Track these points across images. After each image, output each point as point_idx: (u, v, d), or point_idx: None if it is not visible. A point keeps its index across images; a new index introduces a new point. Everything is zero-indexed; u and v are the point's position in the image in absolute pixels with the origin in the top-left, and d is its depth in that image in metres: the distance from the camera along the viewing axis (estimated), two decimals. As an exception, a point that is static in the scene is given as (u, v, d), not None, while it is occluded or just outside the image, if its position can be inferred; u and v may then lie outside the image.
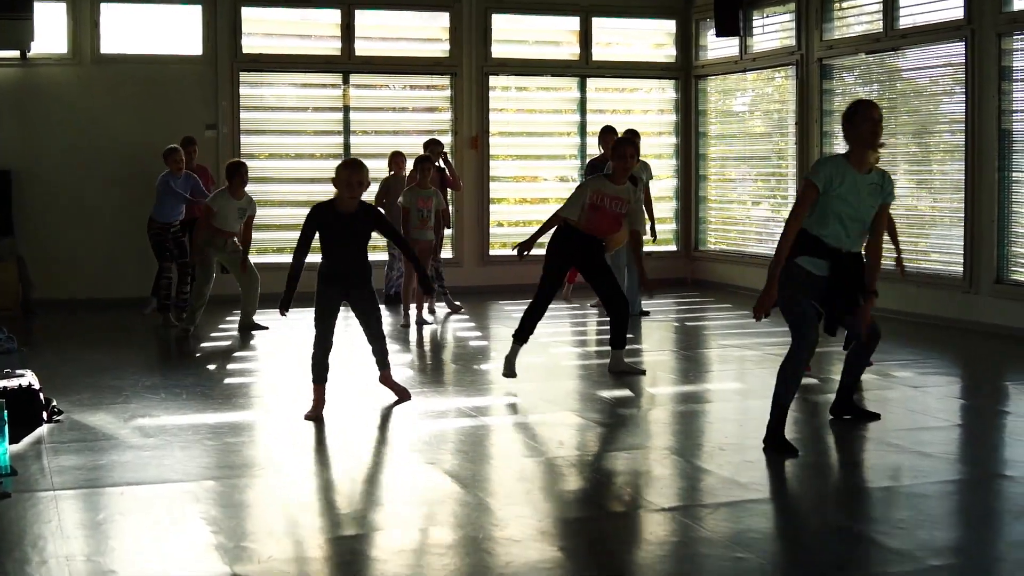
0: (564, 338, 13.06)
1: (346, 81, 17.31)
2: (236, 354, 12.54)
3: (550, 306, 10.68)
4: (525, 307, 10.63)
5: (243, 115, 16.81)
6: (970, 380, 11.33)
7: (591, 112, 18.32)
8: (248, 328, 13.74)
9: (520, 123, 18.38)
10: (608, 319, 10.87)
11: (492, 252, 17.70)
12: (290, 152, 17.42)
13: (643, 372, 10.89)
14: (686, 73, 18.72)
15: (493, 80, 17.90)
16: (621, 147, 10.57)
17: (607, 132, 14.98)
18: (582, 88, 18.34)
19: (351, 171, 9.04)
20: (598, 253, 10.65)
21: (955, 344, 12.79)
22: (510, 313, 14.78)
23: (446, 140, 17.63)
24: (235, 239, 13.65)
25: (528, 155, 18.21)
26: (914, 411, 9.44)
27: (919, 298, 14.15)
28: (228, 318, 14.44)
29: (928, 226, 14.75)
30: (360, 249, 9.18)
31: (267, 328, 13.61)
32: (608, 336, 10.91)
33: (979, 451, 8.45)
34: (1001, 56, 13.19)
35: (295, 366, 11.44)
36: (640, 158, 12.62)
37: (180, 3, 16.51)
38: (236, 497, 7.03)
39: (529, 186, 18.60)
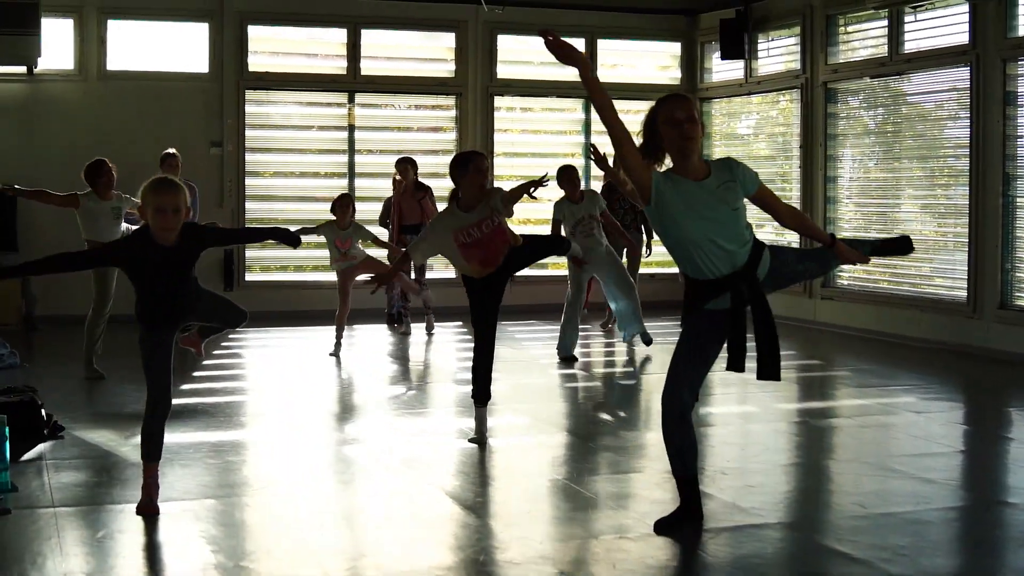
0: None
1: (351, 100, 17.34)
2: (236, 373, 12.53)
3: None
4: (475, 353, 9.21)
5: (248, 133, 16.85)
6: (973, 406, 11.30)
7: (596, 133, 18.32)
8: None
9: (524, 144, 18.40)
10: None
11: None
12: (295, 171, 17.44)
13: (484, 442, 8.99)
14: (691, 95, 18.70)
15: (498, 100, 17.94)
16: (475, 161, 8.88)
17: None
18: (587, 109, 18.36)
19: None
20: (498, 283, 9.01)
21: (958, 369, 12.76)
22: (513, 333, 14.78)
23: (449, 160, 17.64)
24: None
25: (533, 176, 18.16)
26: (916, 437, 9.42)
27: (922, 323, 14.13)
28: (231, 336, 14.43)
29: (932, 251, 14.74)
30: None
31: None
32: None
33: (982, 477, 8.43)
34: (1006, 81, 13.19)
35: (297, 384, 11.46)
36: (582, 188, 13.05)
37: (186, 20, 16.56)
38: (236, 516, 7.01)
39: (533, 207, 18.59)
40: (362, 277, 13.29)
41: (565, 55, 6.72)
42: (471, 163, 8.75)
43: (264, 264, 17.26)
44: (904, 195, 15.22)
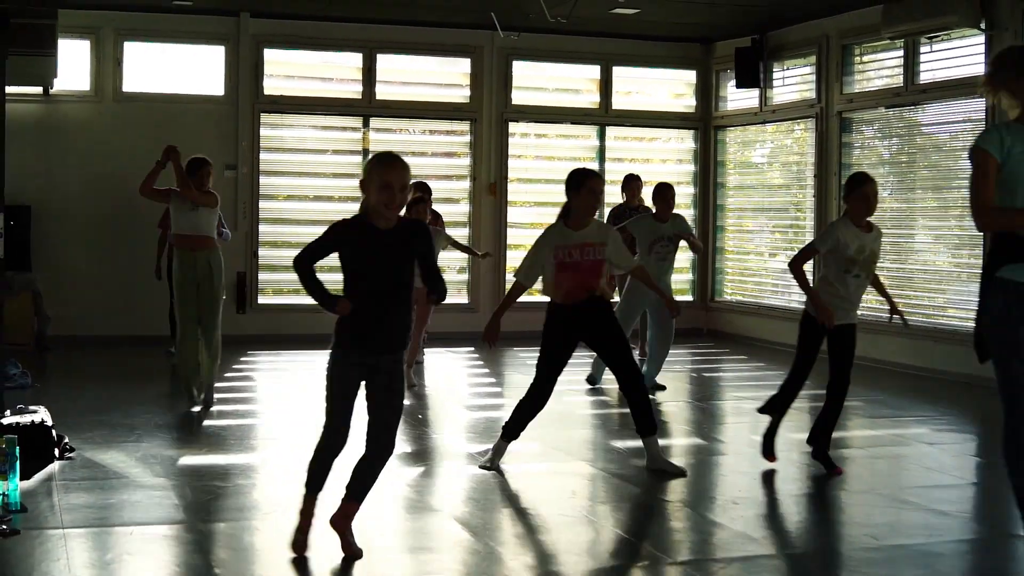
0: (579, 385, 13.00)
1: (366, 124, 17.37)
2: (248, 396, 12.53)
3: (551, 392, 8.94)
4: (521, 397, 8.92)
5: (263, 156, 16.89)
6: (986, 438, 11.24)
7: (610, 160, 18.34)
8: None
9: (539, 170, 18.40)
10: (625, 398, 8.93)
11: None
12: (308, 194, 17.45)
13: (683, 473, 8.79)
14: (705, 123, 18.74)
15: (513, 126, 17.96)
16: (590, 181, 8.55)
17: (631, 180, 15.04)
18: (601, 136, 18.38)
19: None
20: (606, 317, 8.71)
21: (971, 401, 12.72)
22: (524, 360, 14.75)
23: (464, 185, 17.68)
24: None
25: (546, 202, 18.18)
26: (929, 468, 9.38)
27: (936, 354, 14.09)
28: (243, 359, 14.42)
29: (945, 281, 14.71)
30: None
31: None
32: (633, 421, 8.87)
33: (994, 510, 8.38)
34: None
35: (308, 408, 11.45)
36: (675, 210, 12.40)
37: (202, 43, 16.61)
38: (245, 540, 7.00)
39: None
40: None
41: None
42: (585, 184, 8.49)
43: (277, 287, 17.26)
44: (918, 225, 15.19)
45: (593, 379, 12.97)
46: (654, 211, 12.41)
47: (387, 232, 6.14)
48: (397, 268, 6.20)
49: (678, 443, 10.21)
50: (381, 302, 6.23)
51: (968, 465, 9.81)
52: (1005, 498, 8.67)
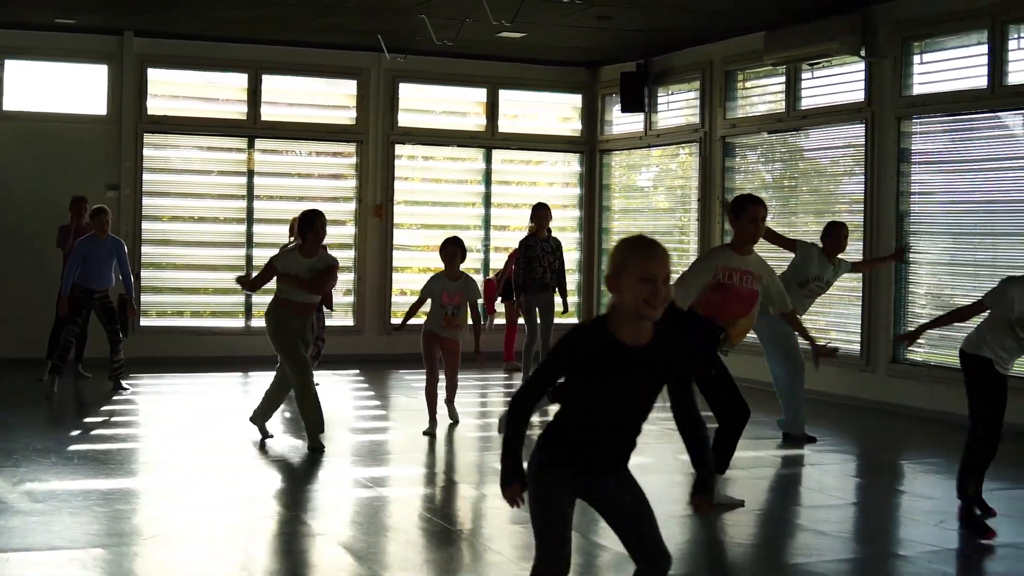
0: (471, 408, 12.97)
1: (251, 145, 17.24)
2: (129, 419, 12.36)
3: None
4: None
5: (146, 176, 16.68)
6: (866, 458, 11.41)
7: (496, 183, 18.39)
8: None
9: (425, 192, 18.38)
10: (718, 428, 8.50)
11: (394, 321, 17.61)
12: (192, 215, 17.28)
13: (742, 503, 8.68)
14: (591, 147, 18.85)
15: (399, 148, 17.92)
16: (752, 208, 8.41)
17: (540, 209, 14.43)
18: (488, 159, 18.41)
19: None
20: (713, 346, 8.39)
21: (852, 422, 12.89)
22: (410, 383, 14.71)
23: (350, 207, 17.61)
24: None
25: (433, 224, 18.17)
26: (811, 488, 9.48)
27: (817, 376, 14.22)
28: (124, 383, 14.22)
29: (827, 304, 14.88)
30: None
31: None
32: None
33: (874, 529, 8.49)
34: (900, 139, 13.42)
35: (191, 432, 11.34)
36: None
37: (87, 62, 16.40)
38: (124, 566, 6.89)
39: (433, 255, 18.54)
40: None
41: None
42: (747, 210, 8.37)
43: (161, 309, 17.06)
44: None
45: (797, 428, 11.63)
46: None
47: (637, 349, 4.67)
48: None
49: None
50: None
51: (848, 485, 9.93)
52: (884, 518, 8.80)
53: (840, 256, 11.66)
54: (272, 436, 10.81)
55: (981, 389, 7.94)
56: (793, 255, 11.53)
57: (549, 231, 14.45)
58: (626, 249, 4.67)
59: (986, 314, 7.90)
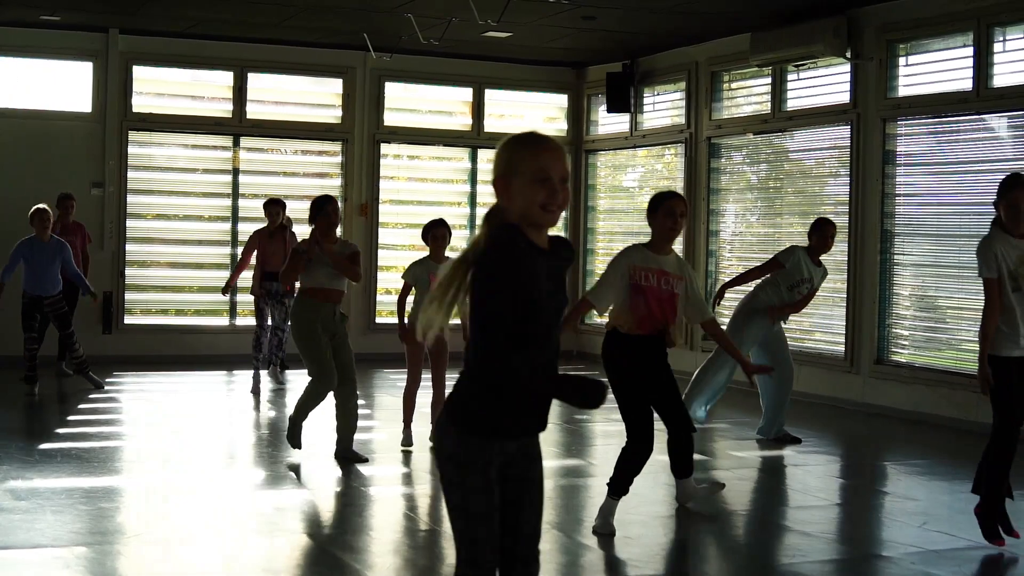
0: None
1: (236, 144, 17.21)
2: (112, 418, 12.34)
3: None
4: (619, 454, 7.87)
5: (130, 174, 16.63)
6: (850, 460, 11.43)
7: (482, 183, 18.36)
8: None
9: (411, 191, 18.37)
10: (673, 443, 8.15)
11: (379, 320, 17.61)
12: (177, 213, 17.25)
13: (722, 486, 8.81)
14: (577, 147, 18.85)
15: (385, 148, 17.91)
16: (668, 203, 8.01)
17: (437, 227, 13.83)
18: (473, 159, 18.39)
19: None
20: (664, 359, 7.92)
21: (836, 423, 12.91)
22: (395, 382, 14.70)
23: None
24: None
25: (418, 223, 17.89)
26: (795, 490, 9.50)
27: (801, 377, 14.26)
28: (108, 379, 14.19)
29: (811, 305, 14.85)
30: None
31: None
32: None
33: (858, 531, 8.51)
34: (885, 140, 13.44)
35: (175, 430, 11.31)
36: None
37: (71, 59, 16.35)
38: (108, 564, 6.87)
39: (418, 255, 18.52)
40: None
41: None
42: (663, 204, 7.94)
43: (145, 307, 17.02)
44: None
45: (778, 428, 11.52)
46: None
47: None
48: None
49: (547, 465, 10.20)
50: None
51: (832, 486, 9.95)
52: (867, 519, 8.82)
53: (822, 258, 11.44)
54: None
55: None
56: (778, 269, 11.18)
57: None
58: (514, 145, 4.10)
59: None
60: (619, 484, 7.75)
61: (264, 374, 14.13)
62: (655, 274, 7.76)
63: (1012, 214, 7.32)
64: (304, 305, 9.83)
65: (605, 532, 7.66)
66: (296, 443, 9.95)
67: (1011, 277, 7.29)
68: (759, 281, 11.32)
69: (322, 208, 9.93)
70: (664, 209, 7.91)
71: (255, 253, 14.19)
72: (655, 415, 7.83)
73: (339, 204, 10.15)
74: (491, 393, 4.04)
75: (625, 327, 7.72)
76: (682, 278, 7.84)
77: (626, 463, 7.74)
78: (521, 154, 4.04)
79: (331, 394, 9.83)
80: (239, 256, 15.01)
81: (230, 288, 14.73)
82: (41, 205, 13.51)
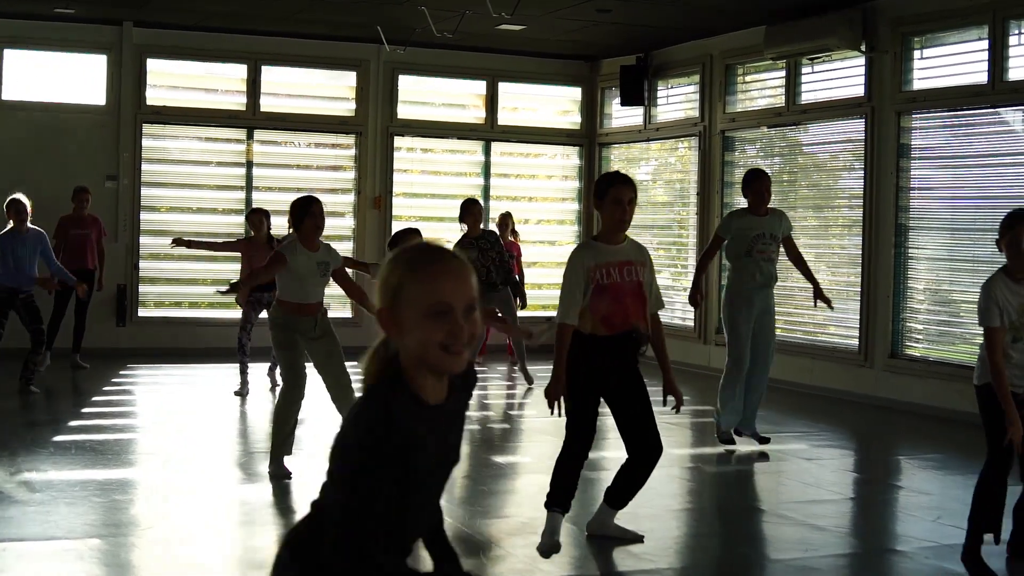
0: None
1: (250, 136, 17.22)
2: (126, 410, 12.35)
3: None
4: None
5: (144, 167, 16.66)
6: (863, 454, 11.41)
7: (495, 176, 18.37)
8: None
9: (424, 184, 18.37)
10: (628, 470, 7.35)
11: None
12: (191, 206, 17.25)
13: (641, 538, 7.53)
14: (590, 140, 18.84)
15: (398, 141, 17.91)
16: (615, 189, 7.10)
17: (471, 206, 13.57)
18: (487, 152, 18.39)
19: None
20: (631, 359, 7.14)
21: (849, 417, 12.89)
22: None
23: (348, 199, 17.60)
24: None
25: (431, 216, 18.15)
26: (807, 484, 9.48)
27: (814, 370, 14.27)
28: (122, 372, 14.21)
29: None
30: None
31: None
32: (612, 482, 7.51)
33: (871, 525, 8.50)
34: (900, 134, 13.41)
35: (189, 422, 11.32)
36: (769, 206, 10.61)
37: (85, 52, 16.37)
38: (122, 556, 6.88)
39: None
40: None
41: None
42: (609, 191, 7.08)
43: (158, 300, 17.05)
44: (799, 243, 15.28)
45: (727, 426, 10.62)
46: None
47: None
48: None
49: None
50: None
51: (846, 481, 9.93)
52: (881, 513, 8.80)
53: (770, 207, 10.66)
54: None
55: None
56: (720, 243, 10.58)
57: (483, 228, 13.61)
58: (401, 266, 3.18)
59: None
60: (558, 496, 7.10)
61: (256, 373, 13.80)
62: (616, 267, 7.02)
63: (1014, 253, 6.84)
64: (280, 314, 9.20)
65: (548, 551, 6.98)
66: (283, 473, 9.03)
67: (1012, 327, 6.73)
68: (729, 274, 10.93)
69: (308, 210, 9.11)
70: (611, 198, 7.05)
71: (241, 259, 13.77)
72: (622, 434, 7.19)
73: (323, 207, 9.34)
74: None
75: (587, 328, 6.96)
76: (644, 263, 7.14)
77: (560, 469, 7.12)
78: (410, 278, 3.13)
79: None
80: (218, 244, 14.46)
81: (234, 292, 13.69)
82: (16, 195, 12.98)
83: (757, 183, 10.50)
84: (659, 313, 7.29)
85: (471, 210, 13.46)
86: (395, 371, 3.17)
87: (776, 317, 10.65)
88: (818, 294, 10.77)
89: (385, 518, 3.12)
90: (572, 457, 7.11)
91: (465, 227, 13.40)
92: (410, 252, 3.19)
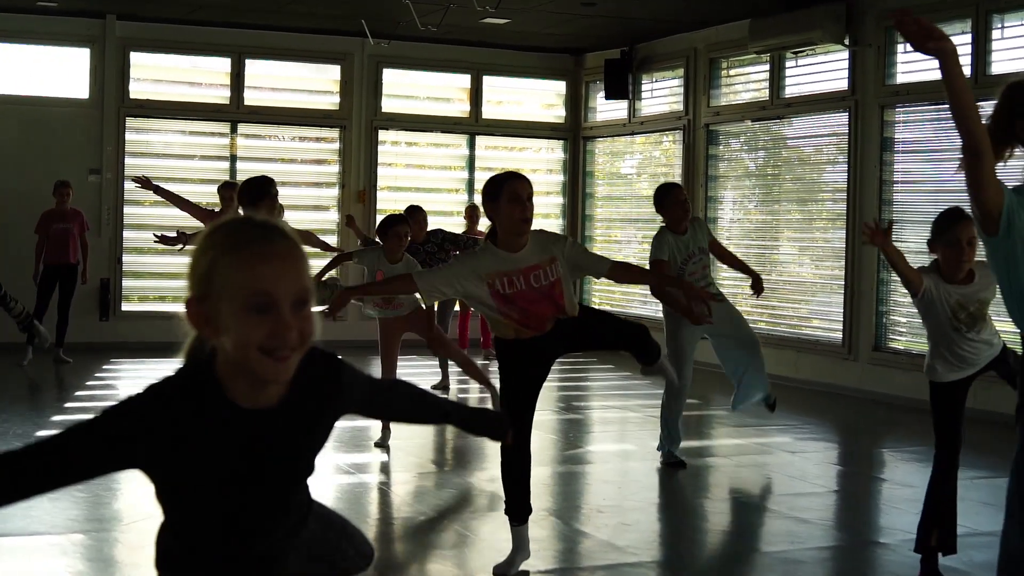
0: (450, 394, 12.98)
1: (234, 130, 17.18)
2: (110, 404, 12.31)
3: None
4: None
5: (128, 161, 16.60)
6: (847, 446, 11.43)
7: (479, 169, 18.34)
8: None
9: (408, 178, 18.35)
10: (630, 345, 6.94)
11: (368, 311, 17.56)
12: (175, 200, 17.19)
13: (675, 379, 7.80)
14: (575, 134, 18.83)
15: (383, 134, 17.89)
16: (509, 185, 6.35)
17: (415, 212, 13.00)
18: (471, 146, 18.37)
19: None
20: (565, 325, 6.47)
21: (833, 410, 12.90)
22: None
23: (333, 193, 17.57)
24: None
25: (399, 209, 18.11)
26: (791, 476, 9.49)
27: (799, 363, 14.29)
28: (105, 366, 14.18)
29: (809, 292, 14.93)
30: None
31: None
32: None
33: (855, 517, 8.51)
34: (883, 127, 13.43)
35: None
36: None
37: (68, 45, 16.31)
38: (105, 551, 6.87)
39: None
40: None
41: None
42: (504, 188, 6.35)
43: (142, 294, 17.01)
44: (783, 237, 15.41)
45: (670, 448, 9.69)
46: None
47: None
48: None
49: (544, 452, 10.20)
50: None
51: (830, 473, 9.95)
52: (865, 506, 8.82)
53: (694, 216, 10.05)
54: None
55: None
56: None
57: (429, 232, 12.97)
58: (215, 245, 2.64)
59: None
60: (514, 506, 6.56)
61: None
62: (520, 275, 6.31)
63: (952, 254, 6.57)
64: None
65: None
66: None
67: (951, 322, 6.46)
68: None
69: (267, 190, 8.70)
70: (507, 194, 6.29)
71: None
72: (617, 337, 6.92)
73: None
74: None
75: (510, 334, 6.41)
76: (554, 258, 6.37)
77: (506, 476, 6.54)
78: (224, 263, 2.59)
79: None
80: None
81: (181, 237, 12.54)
82: None
83: (672, 196, 9.76)
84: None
85: (415, 217, 12.60)
86: (198, 368, 2.74)
87: (763, 310, 10.61)
88: (756, 286, 9.85)
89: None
90: (507, 462, 6.50)
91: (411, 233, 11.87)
92: (226, 228, 2.65)
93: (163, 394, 2.75)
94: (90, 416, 2.82)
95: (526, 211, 6.25)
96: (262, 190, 8.64)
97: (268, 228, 2.60)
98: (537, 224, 6.50)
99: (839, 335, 13.98)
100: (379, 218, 17.36)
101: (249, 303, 2.52)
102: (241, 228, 2.61)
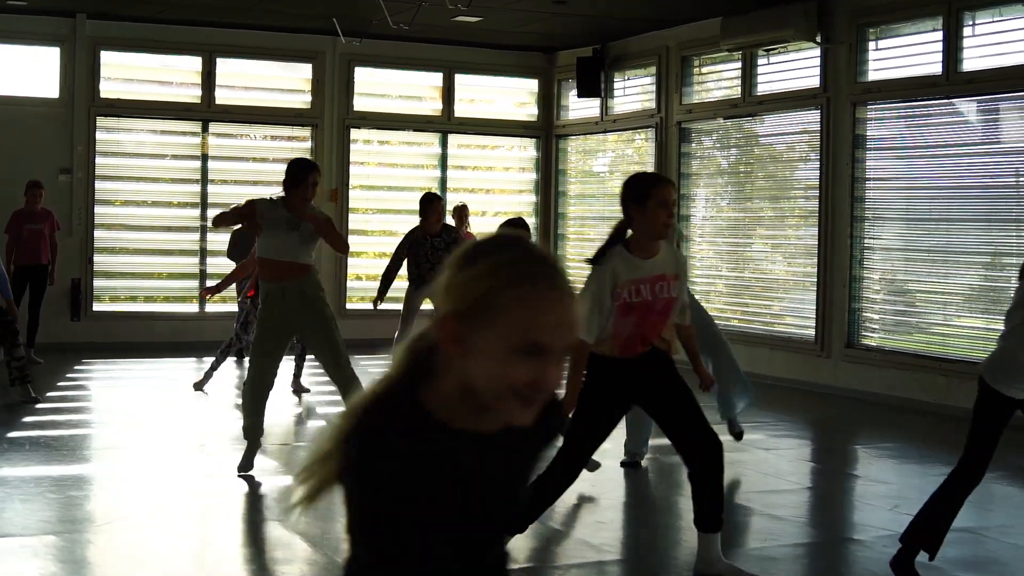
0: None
1: (205, 129, 17.12)
2: (81, 405, 12.27)
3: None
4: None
5: (99, 160, 16.51)
6: (821, 443, 11.46)
7: (452, 168, 18.32)
8: None
9: (381, 177, 18.32)
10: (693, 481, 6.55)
11: (349, 306, 17.53)
12: (146, 199, 17.15)
13: None
14: (547, 132, 18.82)
15: (355, 133, 17.84)
16: (657, 188, 6.20)
17: (430, 203, 12.75)
18: (443, 144, 18.34)
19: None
20: (669, 371, 6.43)
21: (807, 407, 12.93)
22: (366, 368, 14.63)
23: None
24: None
25: (389, 209, 18.11)
26: (766, 474, 9.51)
27: (772, 361, 14.30)
28: (77, 367, 14.11)
29: (782, 290, 14.96)
30: None
31: None
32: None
33: (829, 514, 8.53)
34: (855, 124, 13.46)
35: (145, 417, 11.25)
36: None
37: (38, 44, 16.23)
38: (77, 553, 6.83)
39: (389, 240, 18.48)
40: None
41: None
42: (651, 193, 6.15)
43: (114, 294, 16.94)
44: (755, 234, 15.43)
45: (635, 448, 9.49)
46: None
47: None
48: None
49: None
50: None
51: (803, 470, 9.97)
52: (839, 502, 8.84)
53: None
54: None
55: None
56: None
57: (445, 225, 12.92)
58: (500, 274, 2.40)
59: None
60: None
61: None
62: (648, 284, 6.16)
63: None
64: (261, 284, 8.81)
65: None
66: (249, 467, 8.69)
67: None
68: None
69: (304, 177, 8.64)
70: (657, 199, 6.12)
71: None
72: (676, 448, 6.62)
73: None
74: None
75: (607, 351, 6.24)
76: (678, 275, 6.28)
77: (541, 498, 6.41)
78: (507, 296, 2.37)
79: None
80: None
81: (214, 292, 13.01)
82: None
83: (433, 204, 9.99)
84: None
85: (430, 207, 12.58)
86: (410, 395, 2.45)
87: (735, 308, 10.63)
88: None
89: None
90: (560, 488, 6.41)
91: (429, 223, 12.61)
92: (516, 258, 2.41)
93: (383, 431, 2.43)
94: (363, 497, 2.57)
95: (671, 218, 6.15)
96: (299, 174, 8.57)
97: (555, 268, 2.42)
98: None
99: (812, 332, 14.01)
100: (352, 217, 17.48)
101: (522, 346, 2.34)
102: (535, 263, 2.40)
